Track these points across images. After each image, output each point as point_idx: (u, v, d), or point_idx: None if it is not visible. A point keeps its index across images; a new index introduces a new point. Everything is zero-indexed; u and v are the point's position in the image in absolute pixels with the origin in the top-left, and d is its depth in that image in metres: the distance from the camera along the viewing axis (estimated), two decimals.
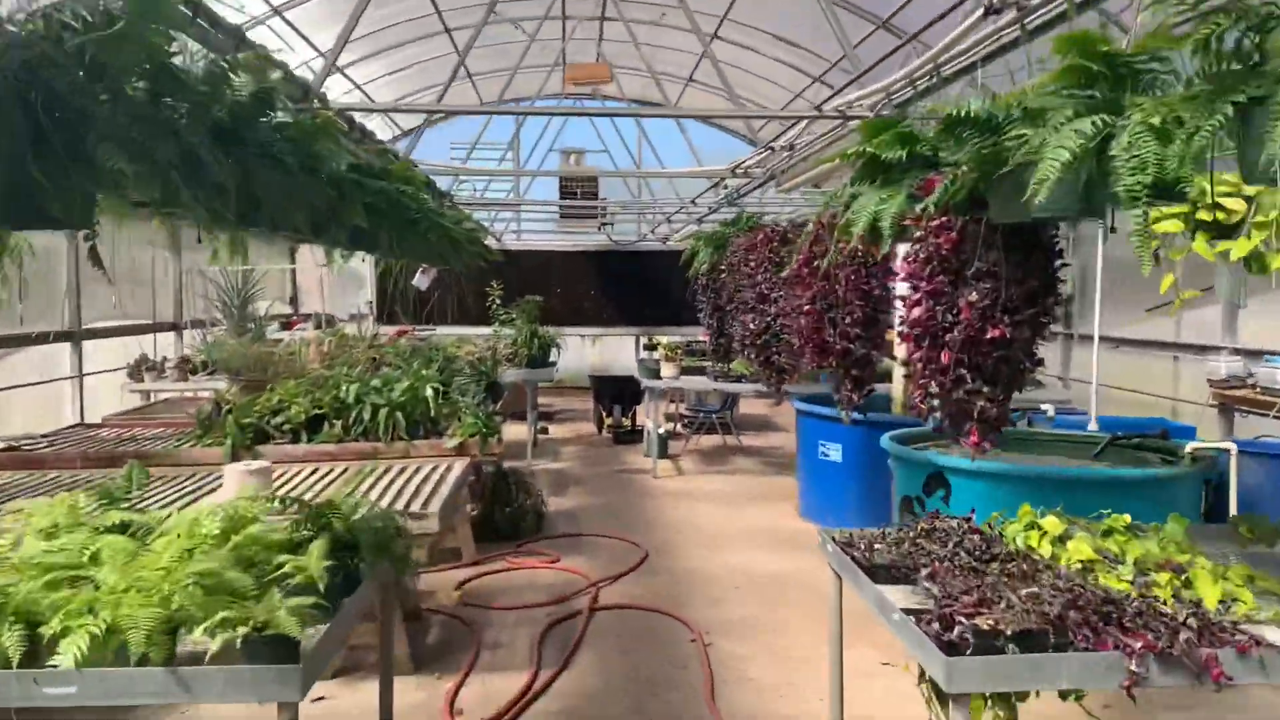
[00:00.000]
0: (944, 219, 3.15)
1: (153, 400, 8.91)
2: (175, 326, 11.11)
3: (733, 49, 9.89)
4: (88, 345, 8.93)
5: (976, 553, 2.93)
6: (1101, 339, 8.90)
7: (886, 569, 2.90)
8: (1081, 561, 2.95)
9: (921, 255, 3.22)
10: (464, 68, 12.59)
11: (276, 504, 3.91)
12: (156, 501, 4.17)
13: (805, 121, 5.43)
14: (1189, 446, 5.00)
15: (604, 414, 10.83)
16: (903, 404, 6.10)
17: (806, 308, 4.71)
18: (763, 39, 9.93)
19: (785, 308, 5.95)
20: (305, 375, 6.99)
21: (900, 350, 6.35)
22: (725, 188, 8.15)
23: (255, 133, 3.02)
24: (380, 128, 13.69)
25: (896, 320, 4.67)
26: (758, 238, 6.09)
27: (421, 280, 9.67)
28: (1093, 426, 5.43)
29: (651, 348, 12.99)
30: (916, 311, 3.21)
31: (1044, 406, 7.19)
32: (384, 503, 4.23)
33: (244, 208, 3.00)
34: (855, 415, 6.75)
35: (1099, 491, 4.76)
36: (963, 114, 2.82)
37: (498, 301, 10.75)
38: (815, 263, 4.67)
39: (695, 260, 8.17)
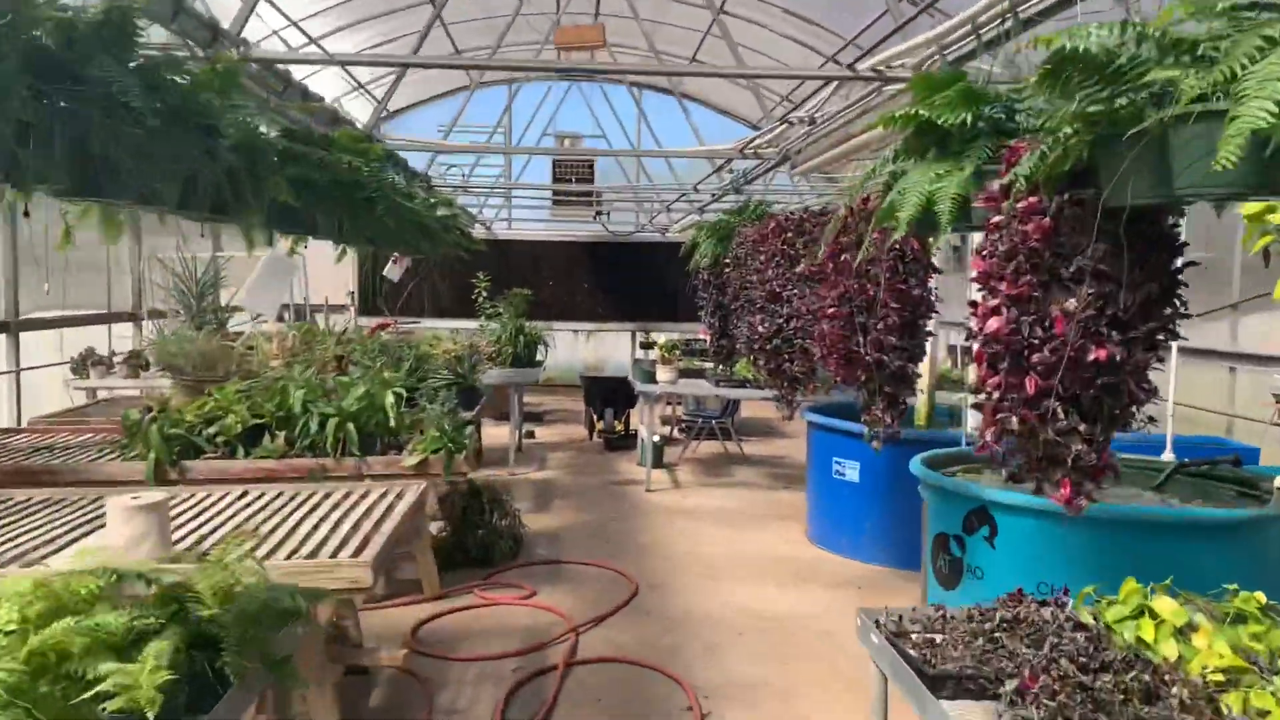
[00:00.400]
0: (1033, 199, 2.35)
1: (97, 399, 8.13)
2: (134, 317, 10.31)
3: (740, 25, 9.08)
4: (29, 338, 8.14)
5: (1081, 658, 2.14)
6: None
7: (956, 679, 2.12)
8: (1221, 670, 2.17)
9: (1001, 248, 2.42)
10: (450, 40, 11.78)
11: (163, 558, 3.13)
12: (10, 546, 3.36)
13: (831, 89, 4.62)
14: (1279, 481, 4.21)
15: (595, 417, 10.03)
16: (974, 443, 5.31)
17: (831, 310, 3.91)
18: (774, 14, 9.11)
19: (801, 309, 5.15)
20: (262, 375, 6.21)
21: (970, 373, 5.56)
22: (731, 171, 7.36)
23: (103, 72, 2.21)
24: (362, 110, 12.88)
25: (944, 328, 3.80)
26: (769, 228, 5.29)
27: (393, 271, 8.86)
28: (1168, 455, 4.63)
29: (647, 346, 12.19)
30: (994, 323, 2.41)
31: None
32: (311, 544, 3.44)
33: (84, 171, 2.21)
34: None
35: (1178, 536, 3.98)
36: (1077, 49, 2.02)
37: (484, 294, 9.94)
38: (843, 256, 3.87)
39: (696, 253, 7.36)
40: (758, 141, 5.63)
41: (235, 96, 3.12)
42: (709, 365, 10.16)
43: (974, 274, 2.52)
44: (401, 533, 3.86)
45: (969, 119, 2.85)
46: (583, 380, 10.52)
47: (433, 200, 7.12)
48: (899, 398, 3.97)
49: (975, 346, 2.55)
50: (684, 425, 10.60)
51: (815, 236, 5.16)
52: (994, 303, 2.43)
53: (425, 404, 5.91)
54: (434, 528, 6.12)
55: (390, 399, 5.35)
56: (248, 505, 4.14)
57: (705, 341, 12.19)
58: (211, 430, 5.06)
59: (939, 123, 2.90)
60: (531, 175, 14.39)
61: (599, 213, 13.44)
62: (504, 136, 13.86)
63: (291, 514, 3.93)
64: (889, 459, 6.16)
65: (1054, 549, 4.09)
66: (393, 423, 5.30)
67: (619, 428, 9.83)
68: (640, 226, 14.07)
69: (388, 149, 6.06)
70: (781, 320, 5.19)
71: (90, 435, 5.89)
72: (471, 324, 10.41)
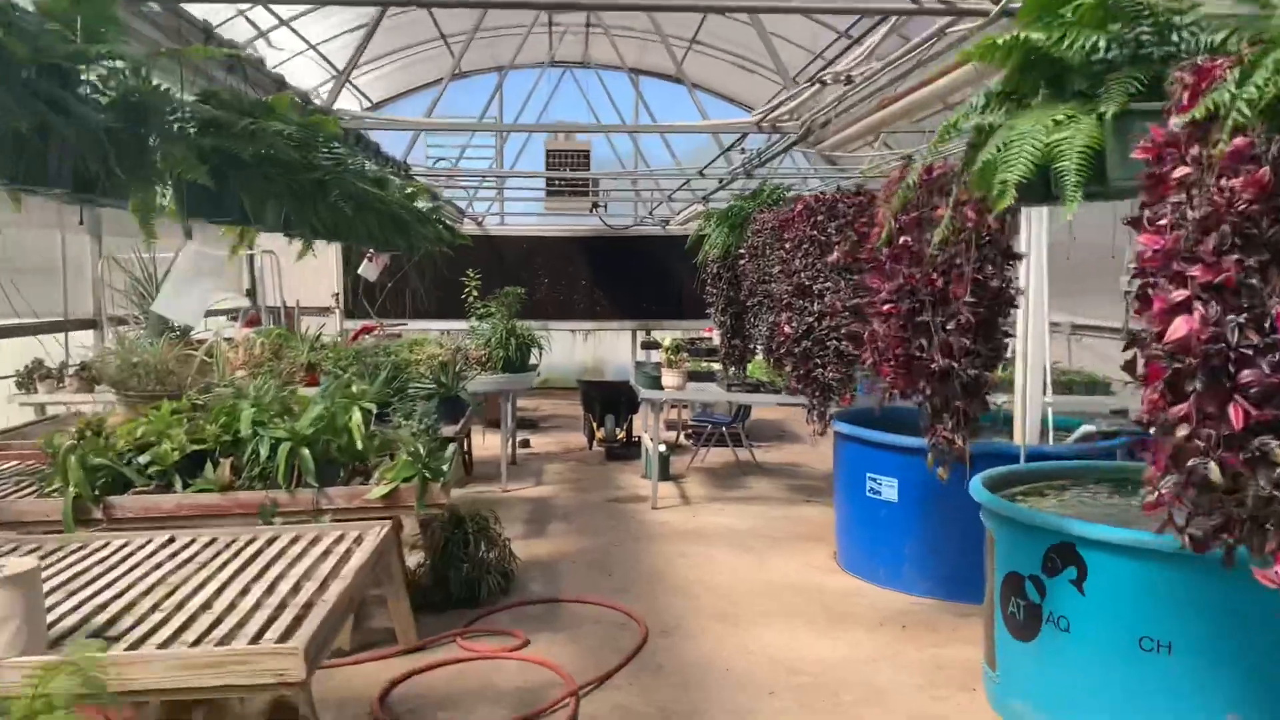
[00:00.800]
0: (1243, 141, 1.58)
1: (46, 415, 7.35)
2: (94, 324, 9.52)
3: None
4: None
5: None
6: None
7: None
8: None
9: (1193, 215, 1.65)
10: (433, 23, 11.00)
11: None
12: None
13: (882, 31, 3.82)
14: None
15: (595, 425, 9.26)
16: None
17: (887, 306, 3.15)
18: None
19: (835, 305, 4.38)
20: (220, 388, 5.44)
21: (1018, 374, 4.80)
22: (743, 152, 6.60)
23: None
24: (344, 104, 12.09)
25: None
26: (795, 210, 4.52)
27: (368, 269, 8.07)
28: None
29: (650, 346, 11.43)
30: (1181, 326, 1.64)
31: (1111, 419, 5.65)
32: (234, 617, 2.67)
33: None
34: (916, 441, 5.23)
35: None
36: None
37: (474, 293, 9.17)
38: (902, 239, 3.11)
39: (705, 244, 6.60)
40: (778, 112, 4.87)
41: (112, 38, 2.35)
42: (718, 367, 9.41)
43: (1145, 253, 1.75)
44: (354, 595, 3.10)
45: (1101, 43, 2.08)
46: (581, 385, 9.75)
47: (411, 189, 6.35)
48: (971, 414, 3.20)
49: (1140, 361, 1.78)
50: (691, 432, 9.84)
51: (851, 220, 4.40)
52: (1179, 296, 1.66)
53: (400, 420, 5.16)
54: (413, 560, 5.37)
55: (356, 418, 4.58)
56: (173, 556, 3.37)
57: (712, 340, 11.44)
58: (145, 459, 4.30)
59: (1058, 51, 2.13)
60: (525, 167, 13.62)
61: (596, 205, 12.65)
62: (498, 104, 13.09)
63: (220, 570, 3.16)
64: (933, 475, 5.40)
65: (1165, 598, 3.32)
66: (360, 445, 4.54)
67: (621, 436, 9.07)
68: (639, 219, 13.31)
69: (350, 126, 5.29)
70: (812, 318, 4.42)
71: (16, 462, 5.12)
72: (463, 325, 9.65)
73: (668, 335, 12.55)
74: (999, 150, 2.22)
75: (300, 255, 5.42)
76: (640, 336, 12.81)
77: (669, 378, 7.00)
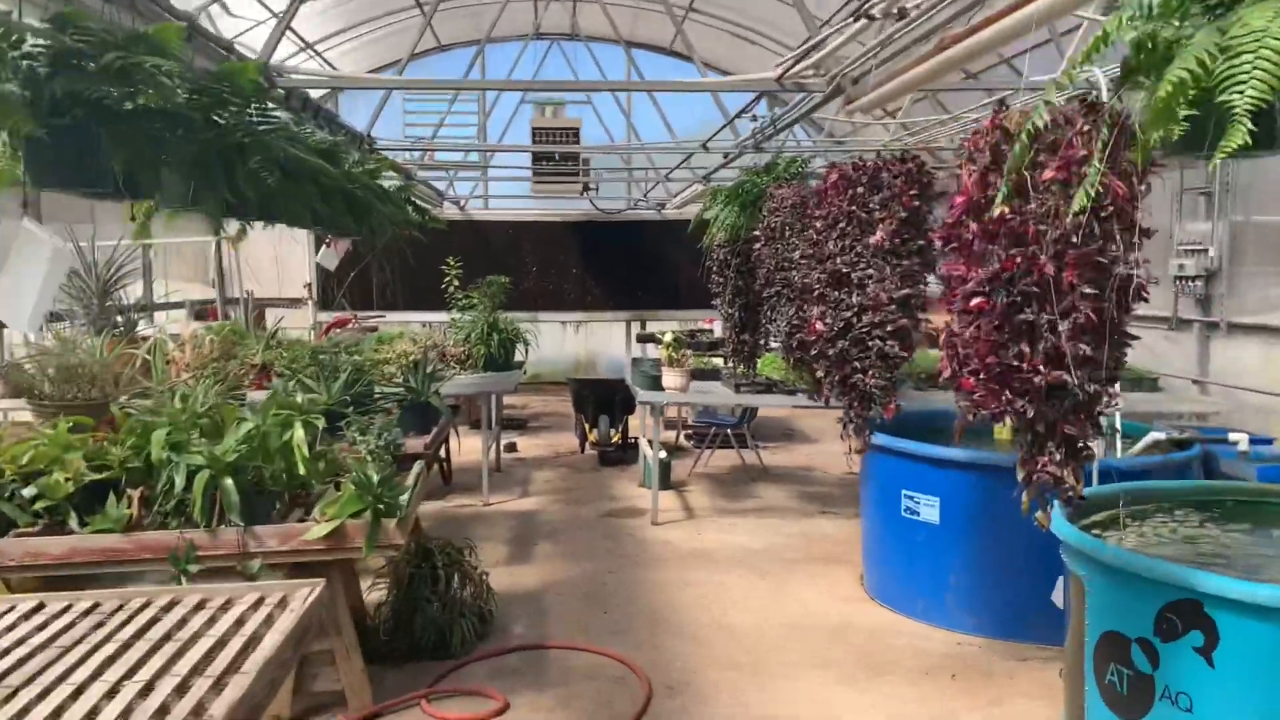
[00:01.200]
0: None
1: None
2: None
3: None
4: None
5: None
6: (1236, 326, 6.61)
7: None
8: None
9: None
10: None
11: None
12: None
13: None
14: None
15: (587, 426, 8.47)
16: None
17: (976, 301, 2.36)
18: None
19: (879, 296, 3.58)
20: (156, 394, 4.65)
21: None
22: (754, 119, 5.77)
23: None
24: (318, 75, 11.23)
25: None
26: (830, 181, 3.72)
27: (328, 257, 7.22)
28: None
29: (646, 340, 10.63)
30: None
31: (1178, 424, 4.88)
32: None
33: None
34: (962, 453, 4.46)
35: None
36: None
37: (455, 282, 8.35)
38: (1001, 211, 2.32)
39: (711, 226, 5.80)
40: (802, 65, 4.06)
41: None
42: (720, 362, 8.64)
43: None
44: (265, 690, 2.31)
45: None
46: (571, 384, 8.95)
47: (373, 164, 5.53)
48: (1082, 443, 2.42)
49: None
50: (692, 432, 9.05)
51: (898, 192, 3.60)
52: None
53: (354, 435, 4.36)
54: (376, 597, 4.57)
55: (299, 435, 3.79)
56: (37, 631, 2.57)
57: (713, 332, 10.64)
58: (30, 491, 3.50)
59: None
60: (509, 155, 12.77)
61: (587, 187, 11.80)
62: (476, 103, 12.23)
63: (89, 655, 2.36)
64: (981, 491, 4.64)
65: None
66: (302, 470, 3.75)
67: (616, 438, 8.27)
68: (633, 203, 12.47)
69: (294, 85, 4.47)
70: (850, 313, 3.63)
71: None
72: (446, 317, 8.84)
73: (665, 327, 11.76)
74: (1208, 63, 1.42)
75: (236, 241, 4.64)
76: (635, 328, 12.00)
77: (670, 378, 6.21)
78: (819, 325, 3.69)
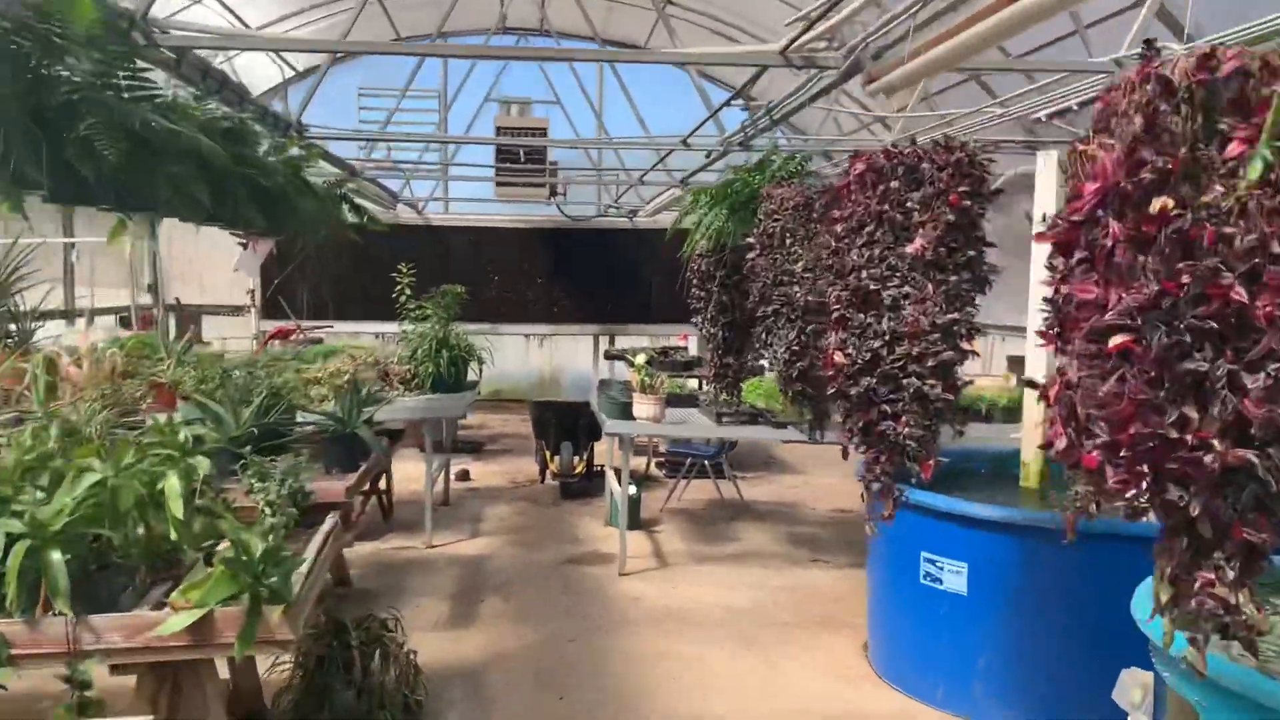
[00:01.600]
0: None
1: None
2: None
3: None
4: None
5: None
6: None
7: None
8: None
9: None
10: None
11: None
12: None
13: None
14: None
15: (548, 454, 7.62)
16: None
17: (1119, 339, 1.56)
18: None
19: (917, 321, 2.78)
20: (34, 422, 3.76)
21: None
22: (748, 104, 4.96)
23: None
24: (266, 74, 10.34)
25: None
26: (854, 173, 2.92)
27: (246, 262, 6.28)
28: None
29: (616, 357, 9.80)
30: None
31: None
32: None
33: None
34: (998, 512, 3.69)
35: None
36: None
37: (407, 291, 7.46)
38: (1162, 204, 1.52)
39: (693, 232, 4.99)
40: (813, 35, 3.27)
41: None
42: (694, 384, 7.84)
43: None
44: None
45: None
46: (532, 408, 8.08)
47: (293, 149, 4.67)
48: (1264, 554, 1.61)
49: None
50: (665, 461, 8.23)
51: (945, 189, 2.80)
52: None
53: (252, 482, 3.50)
54: (278, 679, 3.70)
55: (173, 485, 2.92)
56: None
57: (687, 350, 9.85)
58: None
59: None
60: (471, 155, 11.93)
61: (554, 192, 10.97)
62: (438, 100, 11.37)
63: None
64: (1019, 557, 3.86)
65: None
66: (174, 533, 2.88)
67: (579, 468, 7.43)
68: (604, 209, 11.66)
69: (191, 43, 3.61)
70: (880, 342, 2.82)
71: None
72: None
73: (635, 343, 10.94)
74: None
75: (113, 237, 3.76)
76: (604, 342, 11.17)
77: (643, 406, 5.39)
78: (838, 357, 2.88)
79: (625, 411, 5.54)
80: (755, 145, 5.73)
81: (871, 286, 2.83)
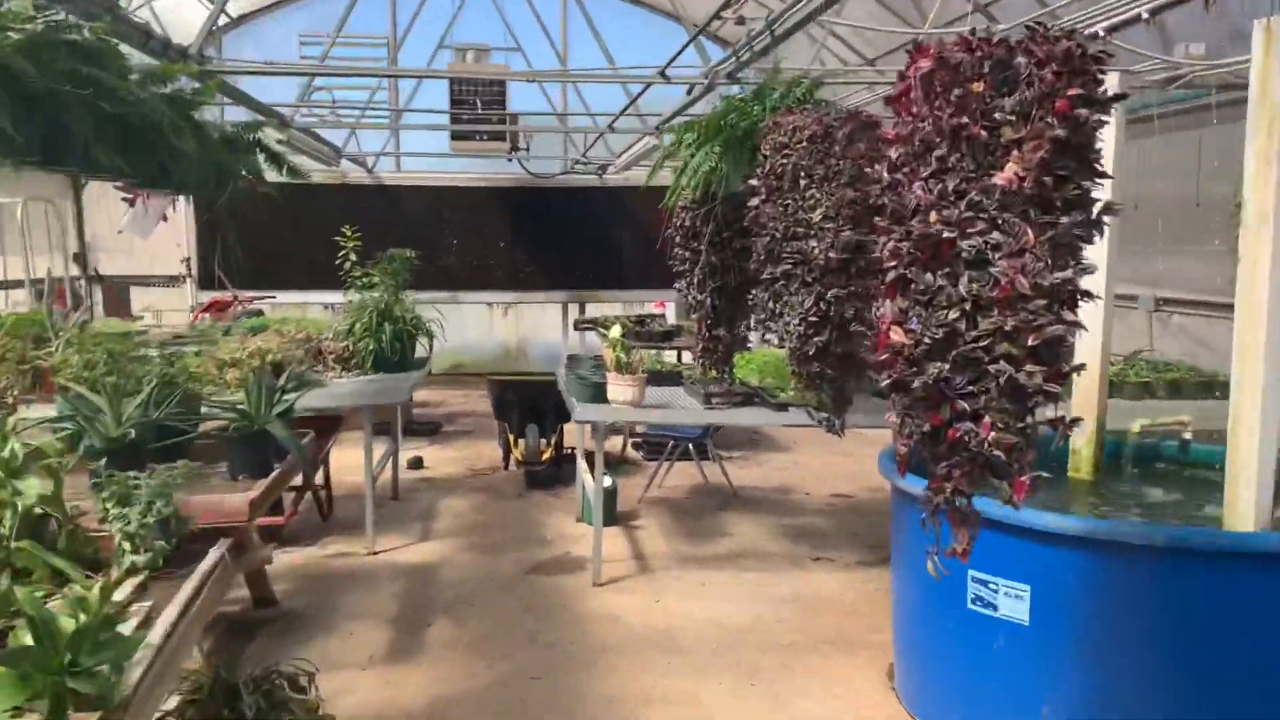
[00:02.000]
0: None
1: None
2: None
3: None
4: None
5: None
6: None
7: None
8: None
9: None
10: None
11: None
12: None
13: None
14: None
15: (512, 438, 6.77)
16: None
17: None
18: None
19: (1019, 283, 1.94)
20: None
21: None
22: (741, 22, 4.09)
23: None
24: (194, 12, 9.26)
25: None
26: (920, 73, 2.04)
27: (137, 222, 5.27)
28: None
29: (587, 326, 8.94)
30: None
31: None
32: None
33: None
34: (1072, 523, 2.92)
35: None
36: None
37: (352, 257, 6.54)
38: None
39: (677, 178, 4.13)
40: None
41: None
42: (676, 358, 7.04)
43: None
44: None
45: None
46: (491, 388, 7.22)
47: (181, 78, 3.74)
48: None
49: None
50: (643, 442, 7.42)
51: (1054, 90, 1.96)
52: None
53: (107, 507, 2.65)
54: None
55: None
56: None
57: (665, 319, 9.01)
58: None
59: None
60: (424, 103, 10.92)
61: (516, 148, 10.01)
62: (386, 47, 10.33)
63: None
64: (1098, 580, 3.08)
65: None
66: None
67: (547, 454, 6.59)
68: (570, 165, 10.72)
69: None
70: (958, 313, 1.99)
71: None
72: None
73: (607, 311, 10.06)
74: None
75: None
76: (574, 311, 10.28)
77: (618, 388, 4.55)
78: (895, 334, 2.05)
79: (598, 394, 4.70)
80: (746, 80, 4.86)
81: (945, 234, 1.99)
